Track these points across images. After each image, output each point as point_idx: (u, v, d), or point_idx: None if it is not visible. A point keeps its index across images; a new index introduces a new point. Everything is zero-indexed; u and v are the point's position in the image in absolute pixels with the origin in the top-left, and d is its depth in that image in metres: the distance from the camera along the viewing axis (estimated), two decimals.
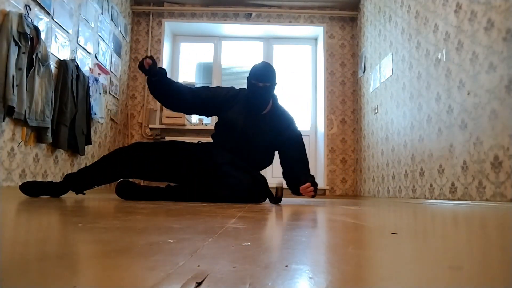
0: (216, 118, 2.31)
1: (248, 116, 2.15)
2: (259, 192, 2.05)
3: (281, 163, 2.22)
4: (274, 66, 5.13)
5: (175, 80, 2.14)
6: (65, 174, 2.03)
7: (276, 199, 1.97)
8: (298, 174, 2.10)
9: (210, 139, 2.31)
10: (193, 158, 2.08)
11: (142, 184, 2.06)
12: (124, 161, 1.98)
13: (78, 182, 1.95)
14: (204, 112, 2.29)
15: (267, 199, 2.11)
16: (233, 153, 2.12)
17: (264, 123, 2.17)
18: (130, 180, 2.01)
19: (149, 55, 2.10)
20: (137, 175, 2.06)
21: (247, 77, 2.15)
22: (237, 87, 2.32)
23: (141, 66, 1.99)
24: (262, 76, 2.09)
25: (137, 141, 2.10)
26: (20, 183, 2.63)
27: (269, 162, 2.29)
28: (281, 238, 0.63)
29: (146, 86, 4.80)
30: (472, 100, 2.25)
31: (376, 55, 4.08)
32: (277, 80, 2.19)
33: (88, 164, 3.70)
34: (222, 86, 2.35)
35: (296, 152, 2.19)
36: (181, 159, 2.05)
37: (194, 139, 2.21)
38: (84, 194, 2.05)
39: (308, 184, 1.95)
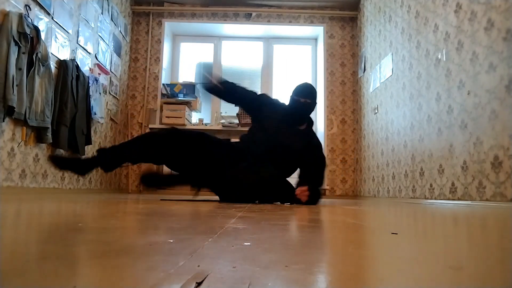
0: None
1: (285, 126, 2.27)
2: (287, 192, 2.11)
3: (299, 178, 2.30)
4: (274, 66, 5.17)
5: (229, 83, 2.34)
6: (98, 148, 2.07)
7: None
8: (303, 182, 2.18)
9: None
10: (224, 158, 2.15)
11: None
12: (157, 147, 2.03)
13: (109, 158, 2.00)
14: (246, 109, 2.57)
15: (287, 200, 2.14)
16: (263, 156, 2.19)
17: (298, 137, 2.27)
18: (152, 170, 2.04)
19: (211, 79, 2.27)
20: (166, 163, 2.13)
21: (290, 95, 2.30)
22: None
23: (209, 89, 2.23)
24: (305, 93, 2.25)
25: (173, 127, 2.14)
26: (19, 183, 2.63)
27: (289, 174, 2.36)
28: (281, 238, 0.63)
29: (146, 85, 4.80)
30: (472, 100, 2.25)
31: (376, 55, 4.08)
32: (317, 100, 2.34)
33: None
34: (271, 97, 2.54)
35: (316, 176, 2.27)
36: (213, 157, 2.12)
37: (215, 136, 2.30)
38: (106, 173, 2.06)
39: (305, 187, 2.00)
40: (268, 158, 2.17)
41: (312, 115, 2.39)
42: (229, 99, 2.42)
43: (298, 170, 2.33)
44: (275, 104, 2.41)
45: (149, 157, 2.06)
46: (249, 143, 2.26)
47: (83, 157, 2.00)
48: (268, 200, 2.08)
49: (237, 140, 2.38)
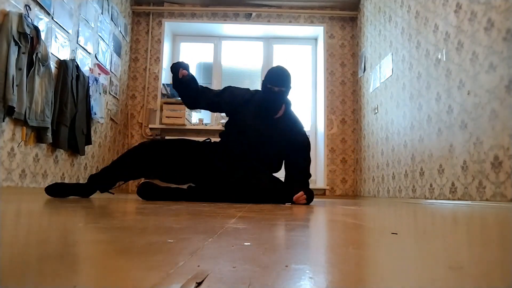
0: (225, 117, 2.35)
1: (260, 119, 2.18)
2: (281, 192, 2.09)
3: (285, 167, 2.27)
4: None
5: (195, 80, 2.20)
6: (89, 175, 2.11)
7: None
8: (294, 182, 2.15)
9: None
10: (208, 159, 2.13)
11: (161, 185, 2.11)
12: (143, 159, 2.04)
13: (102, 182, 2.03)
14: (218, 111, 2.40)
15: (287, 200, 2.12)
16: (244, 154, 2.15)
17: (275, 127, 2.19)
18: (150, 181, 2.04)
19: (180, 62, 2.15)
20: (156, 175, 2.14)
21: (262, 80, 2.17)
22: (251, 89, 2.37)
23: (175, 73, 2.09)
24: (278, 81, 2.10)
25: (154, 139, 2.17)
26: (19, 183, 2.63)
27: (278, 167, 2.32)
28: (281, 238, 0.63)
29: (146, 85, 4.79)
30: (472, 100, 2.25)
31: (376, 55, 4.08)
32: (292, 85, 2.20)
33: (88, 163, 3.70)
34: (239, 87, 2.38)
35: (301, 160, 2.21)
36: (197, 160, 2.11)
37: (194, 139, 2.25)
38: (113, 194, 2.14)
39: (301, 193, 2.00)
40: (249, 156, 2.15)
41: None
42: (191, 94, 2.20)
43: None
44: (244, 96, 2.26)
45: (139, 172, 2.08)
46: (228, 142, 2.21)
47: (77, 183, 2.06)
48: (267, 202, 2.08)
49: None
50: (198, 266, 0.36)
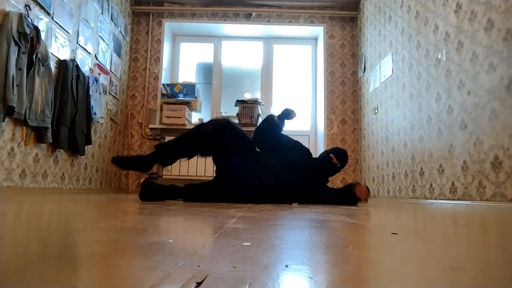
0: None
1: (302, 166, 2.43)
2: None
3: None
4: (274, 66, 5.17)
5: None
6: (155, 144, 2.15)
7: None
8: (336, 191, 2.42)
9: None
10: (261, 161, 2.31)
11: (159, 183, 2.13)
12: (208, 141, 2.11)
13: (167, 153, 2.07)
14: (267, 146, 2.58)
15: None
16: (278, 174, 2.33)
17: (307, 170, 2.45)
18: (150, 181, 2.04)
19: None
20: (213, 156, 2.24)
21: (326, 151, 2.53)
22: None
23: (283, 118, 2.44)
24: (340, 157, 2.44)
25: (226, 119, 2.22)
26: (19, 183, 2.63)
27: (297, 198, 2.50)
28: (281, 238, 0.63)
29: (146, 85, 4.78)
30: (472, 100, 2.25)
31: (376, 55, 4.08)
32: (343, 167, 2.53)
33: (88, 163, 3.70)
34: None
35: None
36: (252, 157, 2.28)
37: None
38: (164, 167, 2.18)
39: (364, 188, 2.24)
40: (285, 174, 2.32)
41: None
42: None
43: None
44: (302, 149, 2.54)
45: (202, 151, 2.16)
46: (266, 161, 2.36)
47: (142, 155, 2.07)
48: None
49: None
50: (198, 266, 0.36)
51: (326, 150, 2.55)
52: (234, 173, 2.19)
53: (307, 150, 2.58)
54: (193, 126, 2.22)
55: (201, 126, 2.15)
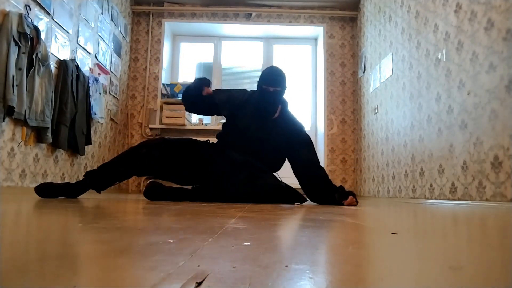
0: (222, 118, 2.33)
1: (258, 119, 2.18)
2: (287, 192, 2.08)
3: (294, 172, 2.22)
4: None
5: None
6: (85, 171, 2.04)
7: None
8: (326, 190, 2.11)
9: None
10: (210, 160, 2.11)
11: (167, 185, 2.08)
12: (147, 159, 2.00)
13: (99, 179, 1.96)
14: (216, 113, 2.38)
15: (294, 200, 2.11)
16: (244, 155, 2.14)
17: (273, 128, 2.19)
18: (157, 181, 2.02)
19: (206, 79, 2.15)
20: (156, 175, 2.11)
21: (258, 81, 2.17)
22: (249, 89, 2.36)
23: (198, 87, 2.09)
24: (272, 81, 2.10)
25: (161, 137, 2.13)
26: (19, 183, 2.63)
27: (278, 167, 2.30)
28: (281, 238, 0.63)
29: (146, 85, 4.80)
30: (472, 100, 2.25)
31: (376, 55, 4.08)
32: (287, 85, 2.19)
33: (88, 163, 3.70)
34: (236, 89, 2.38)
35: (306, 155, 2.19)
36: (198, 161, 2.09)
37: (194, 138, 2.25)
38: (100, 193, 2.05)
39: (351, 197, 1.97)
40: (250, 156, 2.13)
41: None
42: (197, 101, 2.21)
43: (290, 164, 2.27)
44: (242, 97, 2.26)
45: (139, 172, 2.04)
46: (227, 143, 2.20)
47: (70, 183, 1.97)
48: (268, 202, 2.07)
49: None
50: (198, 266, 0.36)
51: (257, 83, 2.19)
52: (204, 180, 2.08)
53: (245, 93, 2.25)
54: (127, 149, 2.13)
55: (133, 148, 2.06)
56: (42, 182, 2.90)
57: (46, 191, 1.82)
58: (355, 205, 2.00)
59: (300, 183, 2.21)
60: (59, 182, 2.05)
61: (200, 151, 2.13)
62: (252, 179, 2.04)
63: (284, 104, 2.27)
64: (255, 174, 2.08)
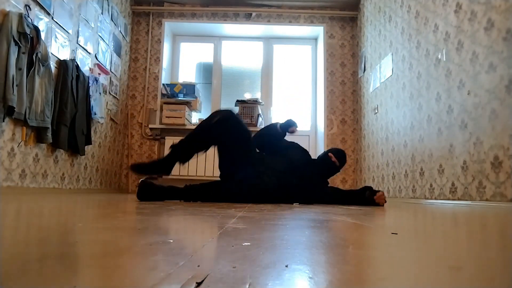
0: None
1: (300, 168, 2.45)
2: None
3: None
4: (274, 66, 5.17)
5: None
6: (171, 145, 2.14)
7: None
8: (353, 196, 2.38)
9: None
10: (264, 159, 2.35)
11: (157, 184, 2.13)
12: (217, 127, 2.12)
13: (183, 151, 2.09)
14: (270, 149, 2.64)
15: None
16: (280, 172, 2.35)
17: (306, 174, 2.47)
18: (148, 182, 2.04)
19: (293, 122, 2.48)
20: (220, 145, 2.23)
21: (325, 151, 2.57)
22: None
23: (284, 128, 2.46)
24: (339, 156, 2.49)
25: (231, 111, 2.23)
26: (19, 183, 2.63)
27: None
28: (281, 238, 0.63)
29: (146, 85, 4.78)
30: (472, 100, 2.25)
31: (376, 55, 4.08)
32: (342, 167, 2.57)
33: (88, 163, 3.69)
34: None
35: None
36: (252, 153, 2.30)
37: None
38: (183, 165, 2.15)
39: (381, 192, 2.20)
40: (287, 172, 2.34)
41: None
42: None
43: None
44: (302, 150, 2.58)
45: (213, 142, 2.18)
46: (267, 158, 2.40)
47: (159, 158, 2.11)
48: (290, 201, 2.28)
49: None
50: (198, 266, 0.36)
51: (324, 151, 2.58)
52: (236, 171, 2.20)
53: (306, 151, 2.61)
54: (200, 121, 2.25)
55: (207, 119, 2.19)
56: (42, 182, 2.90)
57: (140, 169, 2.00)
58: (383, 204, 2.18)
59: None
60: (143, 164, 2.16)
61: (252, 147, 2.33)
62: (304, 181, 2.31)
63: (326, 182, 2.57)
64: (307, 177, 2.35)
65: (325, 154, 2.53)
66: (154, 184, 2.02)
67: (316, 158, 2.61)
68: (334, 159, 2.46)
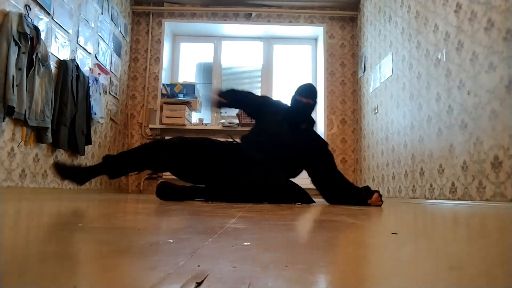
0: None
1: (286, 128, 2.31)
2: (297, 192, 2.17)
3: (315, 183, 2.34)
4: (274, 66, 5.17)
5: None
6: (104, 155, 2.10)
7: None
8: (349, 194, 2.23)
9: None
10: (227, 159, 2.18)
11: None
12: (166, 156, 2.05)
13: (116, 165, 2.03)
14: (251, 115, 2.62)
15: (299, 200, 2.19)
16: (264, 157, 2.21)
17: (298, 137, 2.31)
18: (167, 181, 2.04)
19: (215, 94, 2.41)
20: (173, 171, 2.16)
21: (293, 95, 2.36)
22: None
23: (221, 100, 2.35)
24: (307, 93, 2.32)
25: (180, 137, 2.20)
26: (19, 183, 2.63)
27: (294, 175, 2.38)
28: (281, 238, 0.62)
29: (146, 85, 4.79)
30: (472, 100, 2.25)
31: (376, 55, 4.08)
32: (317, 101, 2.41)
33: (88, 163, 3.70)
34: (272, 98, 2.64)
35: (332, 177, 2.30)
36: (216, 161, 2.14)
37: (219, 139, 2.34)
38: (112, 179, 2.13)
39: (376, 195, 2.07)
40: (271, 159, 2.19)
41: (313, 115, 2.43)
42: (234, 107, 2.57)
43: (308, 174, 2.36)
44: (276, 105, 2.46)
45: (156, 166, 2.12)
46: (251, 145, 2.27)
47: (88, 165, 2.01)
48: (280, 202, 2.12)
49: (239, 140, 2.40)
50: (198, 266, 0.36)
51: (292, 96, 2.36)
52: (217, 179, 2.12)
53: (287, 109, 2.38)
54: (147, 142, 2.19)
55: (152, 146, 2.11)
56: (42, 182, 2.90)
57: (61, 170, 1.95)
58: (380, 205, 2.07)
59: (321, 193, 2.33)
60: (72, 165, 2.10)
61: (217, 151, 2.17)
62: (265, 175, 2.10)
63: (312, 121, 2.42)
64: (269, 171, 2.14)
65: (294, 101, 2.32)
66: (173, 185, 2.01)
67: (288, 106, 2.39)
68: (306, 100, 2.27)
